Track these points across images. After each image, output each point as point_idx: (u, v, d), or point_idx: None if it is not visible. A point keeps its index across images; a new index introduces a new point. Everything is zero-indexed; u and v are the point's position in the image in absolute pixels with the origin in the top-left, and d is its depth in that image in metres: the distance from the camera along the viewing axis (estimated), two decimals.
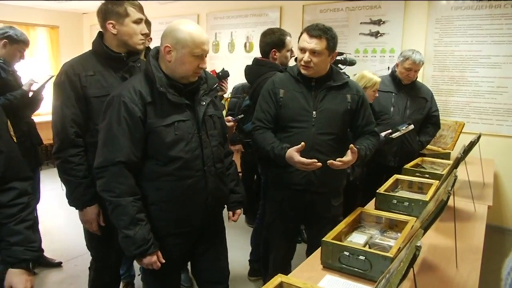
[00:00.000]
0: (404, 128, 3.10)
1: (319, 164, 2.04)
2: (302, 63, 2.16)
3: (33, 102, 3.09)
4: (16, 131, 2.92)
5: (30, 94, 3.09)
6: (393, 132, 3.10)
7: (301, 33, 2.19)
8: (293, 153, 2.08)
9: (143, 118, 1.73)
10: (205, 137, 1.85)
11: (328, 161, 2.05)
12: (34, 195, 1.63)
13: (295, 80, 2.26)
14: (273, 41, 2.75)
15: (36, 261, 1.60)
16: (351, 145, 2.09)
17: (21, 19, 6.84)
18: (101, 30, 2.05)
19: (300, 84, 2.25)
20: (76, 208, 2.05)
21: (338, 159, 2.07)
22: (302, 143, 2.06)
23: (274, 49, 2.74)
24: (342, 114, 2.24)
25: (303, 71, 2.20)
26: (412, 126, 3.13)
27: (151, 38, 2.58)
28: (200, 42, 1.73)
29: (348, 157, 2.08)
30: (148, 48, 2.57)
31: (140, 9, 2.04)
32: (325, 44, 2.13)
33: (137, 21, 2.00)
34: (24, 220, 1.50)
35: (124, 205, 1.70)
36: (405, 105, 3.38)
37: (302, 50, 2.16)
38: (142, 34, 2.03)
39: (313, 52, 2.13)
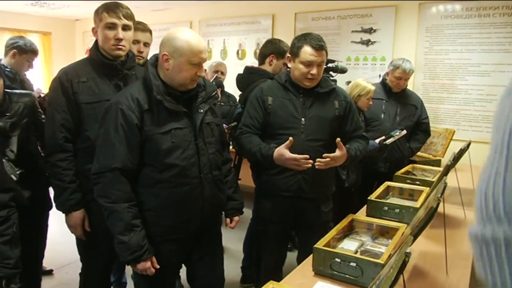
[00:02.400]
0: (397, 133, 3.15)
1: (310, 161, 2.06)
2: (310, 76, 2.18)
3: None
4: None
5: None
6: (386, 138, 3.14)
7: (300, 46, 2.18)
8: (282, 150, 2.08)
9: (140, 125, 1.75)
10: (202, 145, 1.86)
11: (317, 160, 2.06)
12: (15, 208, 1.55)
13: (283, 87, 2.29)
14: (276, 47, 2.77)
15: (12, 278, 1.49)
16: (337, 139, 2.10)
17: (14, 25, 6.82)
18: None
19: (288, 91, 2.27)
20: (62, 212, 2.05)
21: (325, 154, 2.07)
22: (291, 138, 2.07)
23: (273, 55, 2.75)
24: (331, 120, 2.27)
25: (308, 84, 2.22)
26: (404, 131, 3.18)
27: (146, 44, 2.58)
28: (197, 51, 1.75)
29: (337, 153, 2.10)
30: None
31: (127, 15, 2.01)
32: (325, 54, 2.20)
33: (108, 26, 1.98)
34: (1, 234, 1.43)
35: (119, 211, 1.71)
36: (395, 112, 3.43)
37: (309, 64, 2.16)
38: (117, 39, 1.98)
39: (318, 64, 2.17)
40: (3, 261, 1.43)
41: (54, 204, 2.10)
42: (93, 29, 2.05)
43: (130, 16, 2.04)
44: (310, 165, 2.07)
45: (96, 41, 2.06)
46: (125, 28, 2.02)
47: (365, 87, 3.12)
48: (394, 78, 3.37)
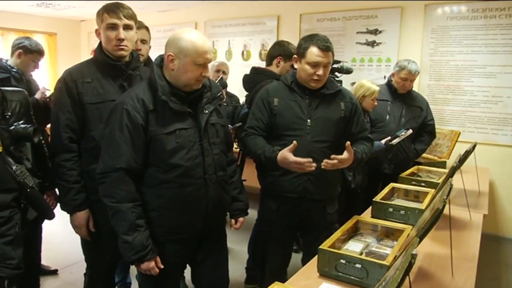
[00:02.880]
0: (403, 133, 3.14)
1: (314, 164, 2.05)
2: (316, 77, 2.17)
3: (47, 110, 3.06)
4: None
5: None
6: (392, 138, 3.13)
7: (306, 47, 2.17)
8: (286, 153, 2.08)
9: (145, 125, 1.75)
10: (207, 145, 1.86)
11: (324, 161, 2.06)
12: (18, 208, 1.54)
13: (289, 88, 2.29)
14: (284, 49, 2.76)
15: (14, 279, 1.48)
16: (347, 143, 2.09)
17: (19, 26, 6.86)
18: None
19: (294, 93, 2.27)
20: (67, 213, 2.06)
21: (332, 155, 2.07)
22: (294, 141, 2.06)
23: (280, 56, 2.74)
24: (336, 121, 2.26)
25: (314, 85, 2.21)
26: (410, 131, 3.17)
27: (143, 41, 2.57)
28: (202, 51, 1.75)
29: (344, 155, 2.09)
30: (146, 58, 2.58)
31: (127, 15, 2.00)
32: (332, 55, 2.20)
33: (109, 27, 1.97)
34: (3, 235, 1.42)
35: (124, 211, 1.71)
36: (400, 113, 3.42)
37: (315, 65, 2.16)
38: (118, 40, 1.97)
39: (325, 65, 2.17)
40: (5, 262, 1.42)
41: (59, 205, 2.10)
42: (96, 30, 2.05)
43: (131, 16, 2.03)
44: (313, 168, 2.06)
45: (101, 42, 2.07)
46: (127, 28, 2.00)
47: (369, 87, 3.12)
48: (400, 79, 3.36)
